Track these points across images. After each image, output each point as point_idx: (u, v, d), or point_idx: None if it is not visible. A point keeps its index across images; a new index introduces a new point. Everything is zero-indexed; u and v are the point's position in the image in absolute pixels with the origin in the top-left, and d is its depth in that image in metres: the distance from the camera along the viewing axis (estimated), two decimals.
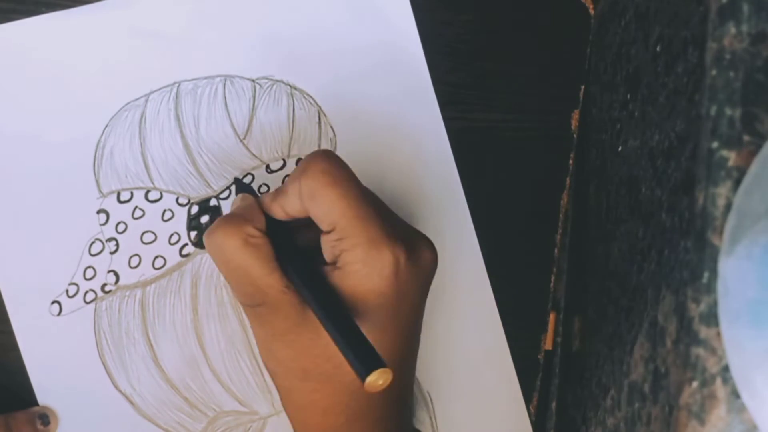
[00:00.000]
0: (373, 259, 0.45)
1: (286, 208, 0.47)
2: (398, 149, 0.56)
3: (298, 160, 0.55)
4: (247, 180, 0.54)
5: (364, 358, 0.42)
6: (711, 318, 0.36)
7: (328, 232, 0.46)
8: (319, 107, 0.55)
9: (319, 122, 0.55)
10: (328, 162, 0.46)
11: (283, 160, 0.55)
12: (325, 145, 0.55)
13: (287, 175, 0.55)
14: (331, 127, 0.55)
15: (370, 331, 0.44)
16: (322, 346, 0.46)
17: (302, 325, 0.46)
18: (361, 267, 0.45)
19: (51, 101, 0.54)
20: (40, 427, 0.52)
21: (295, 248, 0.47)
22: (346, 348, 0.43)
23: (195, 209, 0.54)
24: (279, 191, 0.48)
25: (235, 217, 0.47)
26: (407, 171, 0.56)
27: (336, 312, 0.44)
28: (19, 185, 0.53)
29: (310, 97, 0.55)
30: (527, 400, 0.56)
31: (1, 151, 0.53)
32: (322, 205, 0.46)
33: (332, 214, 0.45)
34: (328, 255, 0.47)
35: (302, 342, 0.47)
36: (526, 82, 0.57)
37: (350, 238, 0.45)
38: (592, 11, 0.58)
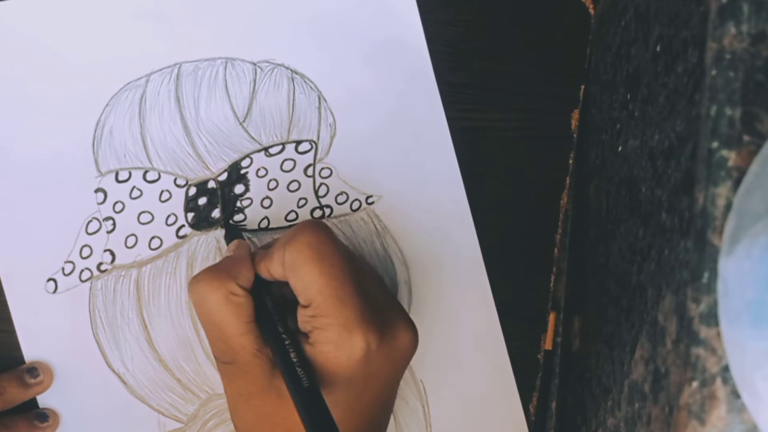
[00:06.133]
0: (344, 342, 0.45)
1: (271, 271, 0.47)
2: (398, 137, 0.56)
3: (297, 145, 0.55)
4: (245, 163, 0.54)
5: (318, 423, 0.42)
6: (711, 318, 0.36)
7: (305, 307, 0.46)
8: (320, 92, 0.55)
9: (320, 107, 0.55)
10: (315, 235, 0.46)
11: (282, 144, 0.55)
12: (324, 130, 0.55)
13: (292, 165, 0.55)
14: (331, 112, 0.55)
15: (334, 410, 0.44)
16: (283, 417, 0.46)
17: (267, 392, 0.46)
18: (332, 348, 0.45)
19: (52, 79, 0.54)
20: (36, 423, 0.52)
21: (277, 308, 0.47)
22: (302, 410, 0.43)
23: (193, 191, 0.54)
24: (267, 254, 0.48)
25: (222, 271, 0.47)
26: (407, 160, 0.56)
27: (301, 377, 0.44)
28: (18, 162, 0.54)
29: (311, 81, 0.55)
30: (527, 400, 0.56)
31: (0, 128, 0.54)
32: (301, 279, 0.46)
33: (310, 290, 0.45)
34: (302, 327, 0.47)
35: (266, 408, 0.46)
36: (526, 82, 0.57)
37: (324, 318, 0.45)
38: (592, 11, 0.58)
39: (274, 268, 0.47)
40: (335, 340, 0.45)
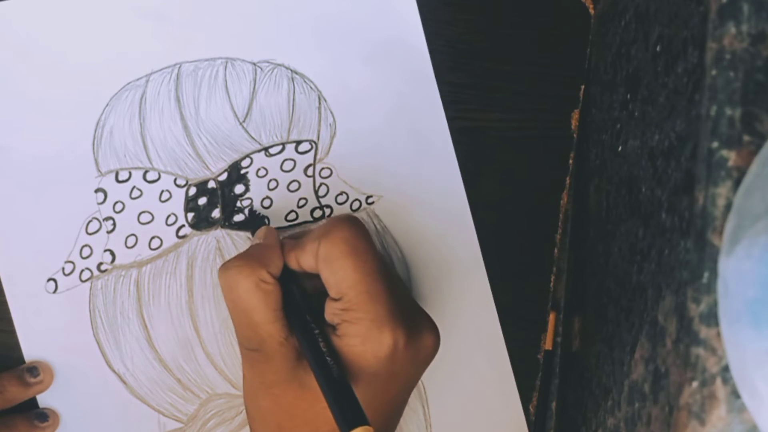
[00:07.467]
0: (372, 339, 0.45)
1: (301, 262, 0.48)
2: (398, 137, 0.56)
3: (297, 145, 0.55)
4: (245, 163, 0.54)
5: (348, 413, 0.42)
6: (711, 318, 0.36)
7: (335, 300, 0.46)
8: (320, 92, 0.55)
9: (320, 107, 0.55)
10: (351, 231, 0.46)
11: (282, 144, 0.55)
12: (324, 130, 0.55)
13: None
14: (331, 112, 0.55)
15: None
16: (303, 408, 0.46)
17: (290, 383, 0.46)
18: (359, 342, 0.45)
19: (52, 79, 0.54)
20: (36, 423, 0.52)
21: (305, 298, 0.47)
22: (332, 400, 0.43)
23: (193, 191, 0.54)
24: (298, 244, 0.48)
25: (253, 258, 0.47)
26: (407, 160, 0.56)
27: (330, 363, 0.44)
28: (18, 162, 0.54)
29: (311, 81, 0.55)
30: (527, 400, 0.56)
31: (0, 128, 0.53)
32: (335, 272, 0.46)
33: (343, 284, 0.46)
34: (330, 319, 0.47)
35: (286, 398, 0.47)
36: (526, 82, 0.57)
37: (355, 312, 0.45)
38: (592, 11, 0.58)
39: (305, 260, 0.47)
40: (364, 335, 0.45)
